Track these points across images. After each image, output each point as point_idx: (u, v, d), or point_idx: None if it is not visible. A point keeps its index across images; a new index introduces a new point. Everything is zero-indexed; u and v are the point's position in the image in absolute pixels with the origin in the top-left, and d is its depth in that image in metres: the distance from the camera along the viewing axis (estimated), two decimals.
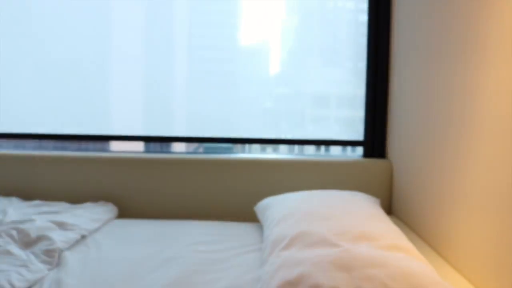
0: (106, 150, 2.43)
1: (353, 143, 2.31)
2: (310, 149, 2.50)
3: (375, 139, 2.16)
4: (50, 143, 2.43)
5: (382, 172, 1.99)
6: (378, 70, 2.19)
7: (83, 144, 2.54)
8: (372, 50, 2.22)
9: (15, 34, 2.35)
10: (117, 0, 2.36)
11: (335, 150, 2.48)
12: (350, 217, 1.41)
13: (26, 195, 1.95)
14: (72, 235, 1.55)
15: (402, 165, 1.87)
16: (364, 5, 2.36)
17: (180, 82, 2.44)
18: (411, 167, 1.75)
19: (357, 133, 2.33)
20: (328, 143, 2.38)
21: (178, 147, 2.47)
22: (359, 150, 2.32)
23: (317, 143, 2.39)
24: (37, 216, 1.68)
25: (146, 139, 2.34)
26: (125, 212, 1.93)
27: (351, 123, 2.39)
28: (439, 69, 1.50)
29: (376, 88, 2.19)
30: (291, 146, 2.50)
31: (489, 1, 1.18)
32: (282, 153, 2.39)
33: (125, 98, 2.38)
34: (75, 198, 1.95)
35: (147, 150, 2.40)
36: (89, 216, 1.72)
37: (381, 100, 2.17)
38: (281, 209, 1.53)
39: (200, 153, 2.19)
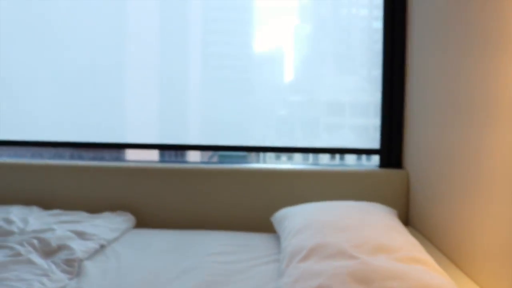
0: (121, 159, 2.46)
1: (369, 152, 2.30)
2: (325, 158, 2.50)
3: (392, 148, 2.14)
4: (67, 152, 2.47)
5: (399, 182, 1.97)
6: (393, 78, 2.17)
7: (99, 153, 2.58)
8: (387, 57, 2.21)
9: (33, 44, 2.39)
10: (132, 9, 2.39)
11: (350, 159, 2.47)
12: (368, 229, 1.41)
13: (46, 204, 1.99)
14: (92, 245, 1.58)
15: (419, 175, 1.85)
16: (378, 12, 2.36)
17: (194, 90, 2.46)
18: (428, 177, 1.74)
19: (373, 141, 2.32)
20: (344, 151, 2.36)
21: (193, 156, 2.49)
22: (375, 159, 2.31)
23: (333, 151, 2.38)
24: (57, 225, 1.71)
25: (161, 147, 2.37)
26: (142, 221, 1.95)
27: (366, 131, 2.38)
28: (457, 76, 1.49)
29: (392, 96, 2.18)
30: (306, 154, 2.50)
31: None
32: (297, 162, 2.39)
33: (140, 107, 2.41)
34: (93, 207, 1.98)
35: (162, 160, 2.42)
36: (107, 225, 1.74)
37: (397, 108, 2.15)
38: (298, 220, 1.54)
39: (216, 163, 2.21)
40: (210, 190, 2.02)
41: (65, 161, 2.15)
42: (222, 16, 2.56)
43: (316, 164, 2.41)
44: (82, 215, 1.85)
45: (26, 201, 2.00)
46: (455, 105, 1.51)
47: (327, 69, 2.48)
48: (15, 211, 1.85)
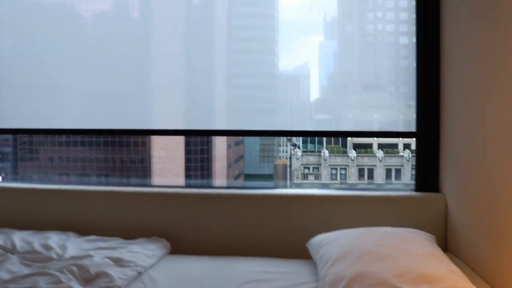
0: (147, 184, 2.48)
1: (405, 135, 2.22)
2: (353, 177, 2.48)
3: (428, 172, 2.05)
4: (93, 177, 2.54)
5: (436, 207, 1.91)
6: (428, 96, 2.06)
7: (124, 177, 2.62)
8: (421, 72, 2.10)
9: (68, 36, 2.40)
10: (157, 34, 2.41)
11: (379, 178, 2.44)
12: (409, 257, 1.39)
13: (81, 229, 2.01)
14: (130, 272, 1.59)
15: (457, 199, 1.80)
16: (405, 28, 2.34)
17: (220, 110, 2.46)
18: (467, 201, 1.69)
19: (402, 159, 2.30)
20: (376, 134, 2.27)
21: (219, 178, 2.49)
22: (404, 179, 2.27)
23: (365, 135, 2.30)
24: (94, 251, 1.73)
25: (186, 133, 2.34)
26: (176, 247, 1.95)
27: (395, 149, 2.35)
28: (497, 94, 1.46)
29: (427, 115, 2.07)
30: (334, 174, 2.48)
31: None
32: (324, 181, 2.38)
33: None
34: (127, 232, 1.99)
35: (188, 183, 2.43)
36: (144, 252, 1.75)
37: (433, 128, 2.05)
38: (336, 247, 1.52)
39: (245, 188, 2.20)
40: (241, 215, 2.01)
41: (99, 187, 2.17)
42: (246, 36, 2.57)
43: (348, 186, 2.39)
44: (118, 241, 1.86)
45: (62, 226, 2.03)
46: (496, 125, 1.47)
47: (354, 86, 2.46)
48: (53, 237, 1.88)
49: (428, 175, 2.04)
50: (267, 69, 2.51)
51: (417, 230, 1.64)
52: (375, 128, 2.40)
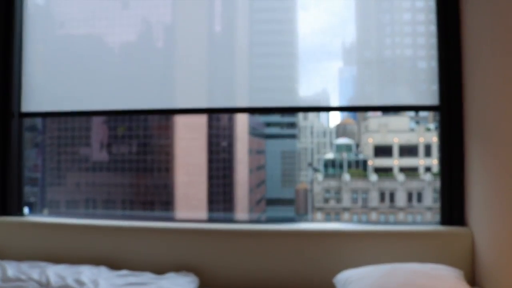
0: (170, 217, 2.51)
1: (427, 108, 2.21)
2: (375, 202, 2.49)
3: (453, 205, 2.04)
4: (118, 211, 2.61)
5: (463, 241, 1.89)
6: (451, 120, 2.09)
7: (148, 202, 2.68)
8: (444, 101, 2.13)
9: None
10: (179, 64, 2.46)
11: (401, 216, 2.44)
12: None
13: (112, 263, 2.07)
14: None
15: (484, 233, 1.79)
16: (423, 52, 2.36)
17: (242, 134, 2.50)
18: (495, 233, 1.67)
19: (423, 182, 2.30)
20: (399, 108, 2.24)
21: (240, 211, 2.52)
22: (428, 203, 2.26)
23: (387, 109, 2.26)
24: (126, 287, 1.78)
25: (209, 111, 2.33)
26: (204, 281, 1.99)
27: (416, 171, 2.36)
28: None
29: (450, 141, 2.08)
30: (355, 198, 2.50)
31: None
32: (347, 210, 2.39)
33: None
34: (157, 266, 2.04)
35: (211, 217, 2.46)
36: (174, 287, 1.79)
37: (458, 157, 2.05)
38: (363, 286, 1.54)
39: (270, 223, 2.21)
40: (266, 251, 2.03)
41: (128, 222, 2.21)
42: (266, 63, 2.61)
43: (371, 223, 2.36)
44: (148, 276, 1.91)
45: (94, 259, 2.09)
46: None
47: (374, 112, 2.48)
48: (85, 271, 1.93)
49: (453, 206, 2.03)
50: (286, 96, 2.55)
51: (444, 267, 1.64)
52: (395, 149, 2.42)
